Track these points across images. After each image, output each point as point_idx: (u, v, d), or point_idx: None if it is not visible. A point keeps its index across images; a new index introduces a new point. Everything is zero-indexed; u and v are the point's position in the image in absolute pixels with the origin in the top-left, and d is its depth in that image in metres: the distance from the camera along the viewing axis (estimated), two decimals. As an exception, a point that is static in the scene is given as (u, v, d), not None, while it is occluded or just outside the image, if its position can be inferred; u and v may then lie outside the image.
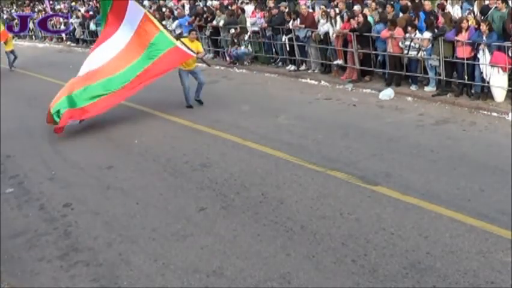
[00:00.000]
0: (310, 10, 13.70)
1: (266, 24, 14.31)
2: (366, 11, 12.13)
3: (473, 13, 10.76)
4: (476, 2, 11.23)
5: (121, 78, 10.37)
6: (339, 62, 12.71)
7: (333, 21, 12.51)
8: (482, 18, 10.16)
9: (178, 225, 6.08)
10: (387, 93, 10.90)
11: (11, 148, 9.41)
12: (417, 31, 10.72)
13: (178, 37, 11.95)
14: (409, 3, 11.73)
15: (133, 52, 10.48)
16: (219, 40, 16.41)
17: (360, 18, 11.61)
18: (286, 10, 14.23)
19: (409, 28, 10.71)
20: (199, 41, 12.25)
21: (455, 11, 11.37)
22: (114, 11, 10.66)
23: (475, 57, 9.81)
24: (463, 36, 9.78)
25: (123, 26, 10.63)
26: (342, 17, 12.51)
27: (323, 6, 13.41)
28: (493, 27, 9.66)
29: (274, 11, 14.30)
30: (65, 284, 5.18)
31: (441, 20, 10.51)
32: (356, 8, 12.43)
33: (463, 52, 9.85)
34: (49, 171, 8.17)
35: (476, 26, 9.79)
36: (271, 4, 14.77)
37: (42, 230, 6.30)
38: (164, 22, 18.36)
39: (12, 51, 18.61)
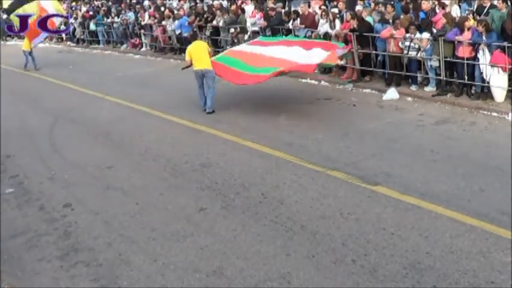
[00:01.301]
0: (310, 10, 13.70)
1: (265, 23, 14.32)
2: (364, 11, 12.13)
3: (473, 13, 10.78)
4: (476, 1, 11.24)
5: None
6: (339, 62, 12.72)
7: (332, 24, 12.51)
8: (479, 18, 10.18)
9: (178, 225, 6.08)
10: (392, 95, 10.87)
11: (11, 148, 9.41)
12: (417, 31, 10.73)
13: None
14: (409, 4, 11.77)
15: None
16: (219, 40, 16.41)
17: (354, 23, 11.61)
18: (283, 10, 14.24)
19: (411, 28, 10.72)
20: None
21: (454, 11, 11.40)
22: None
23: (475, 57, 9.81)
24: (466, 36, 9.78)
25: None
26: (341, 18, 12.51)
27: (323, 6, 13.42)
28: (493, 27, 9.68)
29: (271, 12, 14.31)
30: (65, 284, 5.18)
31: (441, 19, 10.51)
32: (358, 7, 12.45)
33: (464, 52, 9.85)
34: (49, 171, 8.16)
35: (477, 26, 9.81)
36: (270, 4, 14.78)
37: (42, 230, 6.29)
38: (164, 22, 18.49)
39: (30, 52, 18.00)
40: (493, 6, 10.24)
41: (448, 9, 11.17)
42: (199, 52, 10.73)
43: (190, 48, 10.89)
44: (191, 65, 10.79)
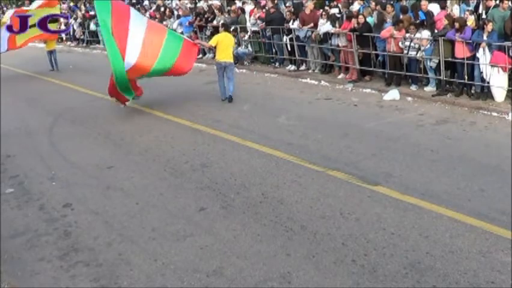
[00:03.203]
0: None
1: (262, 24, 14.34)
2: (364, 11, 12.13)
3: (473, 13, 10.76)
4: (481, 2, 11.24)
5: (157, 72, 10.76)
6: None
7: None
8: (484, 17, 10.17)
9: (178, 225, 6.08)
10: (393, 95, 10.85)
11: (11, 148, 9.41)
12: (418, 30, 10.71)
13: None
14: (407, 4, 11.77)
15: (154, 44, 10.57)
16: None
17: (361, 19, 11.60)
18: (288, 10, 14.23)
19: (411, 28, 10.72)
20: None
21: (453, 11, 11.39)
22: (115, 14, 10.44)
23: (474, 57, 9.81)
24: (464, 35, 9.77)
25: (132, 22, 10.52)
26: (341, 19, 12.50)
27: (327, 8, 13.42)
28: (493, 27, 9.67)
29: (273, 10, 14.31)
30: (65, 284, 5.18)
31: (442, 20, 10.50)
32: (354, 7, 12.45)
33: (463, 52, 9.84)
34: (49, 171, 8.16)
35: (474, 26, 9.80)
36: (269, 4, 14.79)
37: (42, 230, 6.29)
38: (164, 22, 18.49)
39: (52, 52, 17.92)
40: (496, 6, 10.22)
41: (448, 10, 11.18)
42: (227, 44, 10.95)
43: (219, 37, 11.01)
44: (210, 49, 10.88)
